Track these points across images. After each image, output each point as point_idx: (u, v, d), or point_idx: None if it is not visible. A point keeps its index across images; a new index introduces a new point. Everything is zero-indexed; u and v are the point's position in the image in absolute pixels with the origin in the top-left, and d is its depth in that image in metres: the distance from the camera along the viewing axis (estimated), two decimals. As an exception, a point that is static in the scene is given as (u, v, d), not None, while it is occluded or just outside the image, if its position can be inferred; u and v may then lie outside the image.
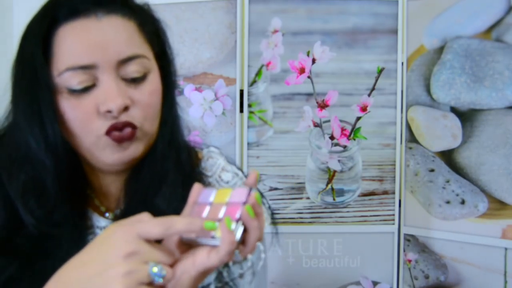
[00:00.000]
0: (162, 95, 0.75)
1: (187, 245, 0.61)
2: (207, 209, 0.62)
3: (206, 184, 0.78)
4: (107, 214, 0.79)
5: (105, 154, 0.71)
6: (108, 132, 0.69)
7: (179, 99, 0.80)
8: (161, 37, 0.77)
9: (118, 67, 0.69)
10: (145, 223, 0.56)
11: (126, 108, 0.69)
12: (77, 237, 0.72)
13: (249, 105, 1.56)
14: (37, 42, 0.69)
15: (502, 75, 1.42)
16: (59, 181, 0.71)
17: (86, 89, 0.68)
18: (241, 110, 1.56)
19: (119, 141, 0.70)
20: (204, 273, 0.60)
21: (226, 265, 0.77)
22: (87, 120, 0.69)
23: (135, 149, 0.72)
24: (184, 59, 1.55)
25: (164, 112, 0.75)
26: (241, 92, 1.56)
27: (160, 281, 0.56)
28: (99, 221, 0.78)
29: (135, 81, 0.70)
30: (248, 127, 1.56)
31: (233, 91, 1.55)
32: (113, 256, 0.54)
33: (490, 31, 1.44)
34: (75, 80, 0.68)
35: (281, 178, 1.57)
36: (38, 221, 0.70)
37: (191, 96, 1.55)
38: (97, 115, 0.69)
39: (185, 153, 0.77)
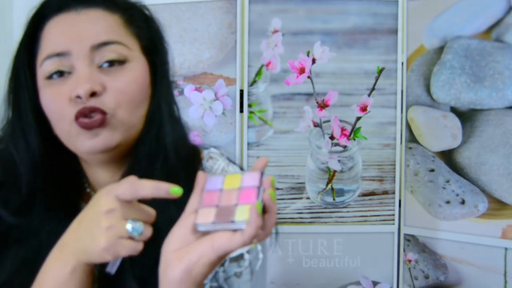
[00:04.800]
0: (151, 91, 0.75)
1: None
2: (218, 196, 0.62)
3: None
4: None
5: (79, 142, 0.72)
6: (77, 118, 0.70)
7: (179, 99, 0.80)
8: (152, 33, 0.77)
9: (92, 54, 0.71)
10: (120, 186, 0.62)
11: (94, 94, 0.70)
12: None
13: (249, 105, 1.56)
14: (25, 41, 0.73)
15: (502, 75, 1.42)
16: (34, 178, 0.73)
17: (61, 75, 0.71)
18: (241, 110, 1.56)
19: (88, 127, 0.70)
20: (222, 258, 0.60)
21: (222, 264, 0.77)
22: (61, 108, 0.71)
23: (108, 137, 0.71)
24: (184, 59, 1.55)
25: (151, 109, 0.75)
26: (241, 92, 1.56)
27: (138, 236, 0.61)
28: None
29: (111, 66, 0.71)
30: (248, 127, 1.56)
31: (233, 91, 1.55)
32: (96, 213, 0.61)
33: (490, 31, 1.44)
34: (52, 67, 0.71)
35: (281, 178, 1.57)
36: (11, 213, 0.73)
37: (191, 96, 1.55)
38: (69, 102, 0.70)
39: (173, 153, 0.76)
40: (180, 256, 0.60)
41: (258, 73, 1.55)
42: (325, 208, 1.58)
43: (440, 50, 1.51)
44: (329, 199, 1.58)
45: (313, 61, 1.53)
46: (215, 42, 1.56)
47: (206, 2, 1.56)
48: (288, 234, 1.56)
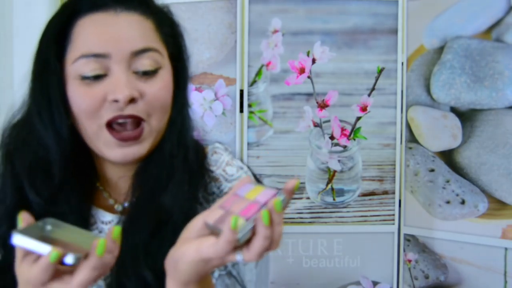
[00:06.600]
0: (173, 95, 0.77)
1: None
2: (235, 202, 0.61)
3: (210, 178, 0.80)
4: (116, 206, 0.81)
5: (108, 150, 0.73)
6: (109, 124, 0.71)
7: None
8: (177, 39, 0.80)
9: (131, 60, 0.72)
10: None
11: (132, 100, 0.71)
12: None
13: (249, 105, 1.56)
14: (54, 32, 0.73)
15: (502, 75, 1.42)
16: (64, 165, 0.74)
17: (97, 78, 0.71)
18: (241, 110, 1.56)
19: (123, 140, 0.72)
20: (206, 263, 0.59)
21: None
22: (94, 107, 0.71)
23: (140, 148, 0.74)
24: (184, 59, 1.55)
25: (174, 112, 0.77)
26: (241, 92, 1.56)
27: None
28: (104, 216, 0.80)
29: (146, 74, 0.73)
30: (248, 127, 1.56)
31: (233, 91, 1.55)
32: None
33: (490, 31, 1.44)
34: (88, 68, 0.71)
35: (281, 178, 1.57)
36: (42, 199, 0.74)
37: (191, 96, 1.55)
38: (104, 103, 0.71)
39: (192, 153, 0.79)
40: (178, 245, 0.61)
41: (258, 73, 1.55)
42: (325, 208, 1.58)
43: (440, 50, 1.51)
44: (329, 199, 1.58)
45: (313, 61, 1.53)
46: (215, 42, 1.56)
47: (206, 2, 1.56)
48: (288, 234, 1.56)
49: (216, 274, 0.77)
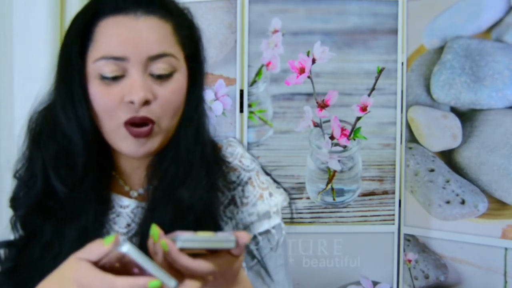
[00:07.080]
0: (189, 94, 0.81)
1: None
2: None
3: (228, 168, 0.86)
4: (131, 192, 0.85)
5: (124, 144, 0.78)
6: (126, 124, 0.76)
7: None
8: (194, 41, 0.83)
9: (147, 63, 0.76)
10: (97, 283, 0.57)
11: (147, 102, 0.75)
12: (99, 214, 0.80)
13: (249, 105, 1.56)
14: (78, 31, 0.77)
15: (502, 75, 1.42)
16: (86, 155, 0.79)
17: (116, 78, 0.75)
18: (241, 110, 1.56)
19: (136, 136, 0.76)
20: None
21: (256, 242, 0.86)
22: (112, 107, 0.76)
23: (151, 145, 0.78)
24: (184, 59, 1.55)
25: (189, 110, 0.81)
26: (241, 92, 1.56)
27: None
28: (122, 201, 0.84)
29: (161, 78, 0.77)
30: (248, 127, 1.56)
31: (233, 91, 1.55)
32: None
33: (490, 31, 1.44)
34: (107, 69, 0.75)
35: (281, 178, 1.57)
36: (66, 187, 0.78)
37: (191, 96, 1.55)
38: (121, 103, 0.76)
39: (209, 148, 0.84)
40: None
41: (258, 73, 1.55)
42: (325, 208, 1.58)
43: (440, 50, 1.51)
44: (329, 199, 1.58)
45: (313, 61, 1.53)
46: (215, 42, 1.56)
47: (206, 2, 1.56)
48: (288, 234, 1.56)
49: (243, 264, 0.82)
